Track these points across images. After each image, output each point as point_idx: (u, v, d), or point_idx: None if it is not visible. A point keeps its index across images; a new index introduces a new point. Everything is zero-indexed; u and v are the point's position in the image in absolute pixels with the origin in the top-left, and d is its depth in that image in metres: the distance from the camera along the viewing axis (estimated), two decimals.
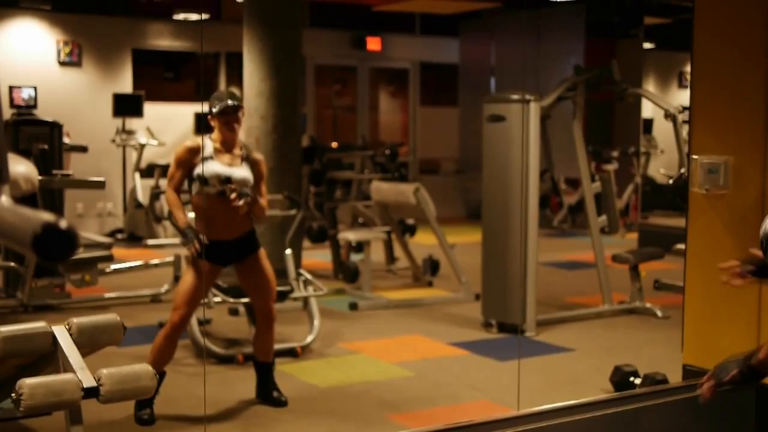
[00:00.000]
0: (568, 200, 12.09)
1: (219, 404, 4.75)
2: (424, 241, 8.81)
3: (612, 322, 6.88)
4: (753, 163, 3.93)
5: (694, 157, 4.12)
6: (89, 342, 3.78)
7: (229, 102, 4.57)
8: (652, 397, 3.75)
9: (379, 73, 14.27)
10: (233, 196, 4.46)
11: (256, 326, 4.90)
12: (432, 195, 7.77)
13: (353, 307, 7.20)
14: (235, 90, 4.92)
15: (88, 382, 3.52)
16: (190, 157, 4.56)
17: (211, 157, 4.53)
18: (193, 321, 5.54)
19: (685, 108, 6.28)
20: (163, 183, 4.80)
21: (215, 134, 4.64)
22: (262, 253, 4.73)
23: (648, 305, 7.00)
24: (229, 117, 4.57)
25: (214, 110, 4.57)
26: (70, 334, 3.69)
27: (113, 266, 7.36)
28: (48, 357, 3.69)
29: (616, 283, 7.15)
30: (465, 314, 6.97)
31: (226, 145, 4.62)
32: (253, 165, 4.66)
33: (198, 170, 4.52)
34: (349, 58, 13.43)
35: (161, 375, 4.45)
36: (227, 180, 4.51)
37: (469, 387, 5.25)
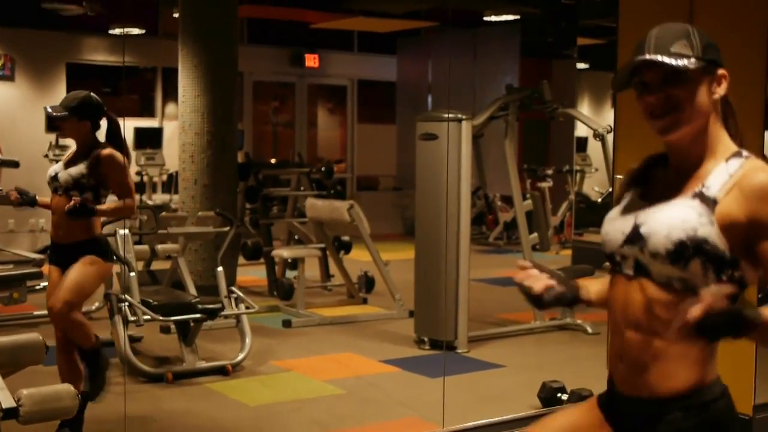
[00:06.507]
0: (503, 217, 12.21)
1: (145, 423, 4.70)
2: (359, 258, 8.83)
3: (543, 338, 6.97)
4: None
5: (618, 176, 4.22)
6: (10, 361, 3.72)
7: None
8: None
9: (317, 90, 14.29)
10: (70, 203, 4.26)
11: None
12: (370, 212, 7.78)
13: (287, 324, 7.18)
14: (80, 93, 4.71)
15: (8, 402, 3.47)
16: None
17: (58, 160, 4.52)
18: (124, 339, 5.48)
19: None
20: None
21: None
22: (85, 260, 4.41)
23: (578, 321, 7.10)
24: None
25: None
26: None
27: (43, 283, 7.23)
28: None
29: None
30: (398, 331, 6.99)
31: (78, 147, 4.60)
32: (97, 163, 4.49)
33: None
34: (288, 74, 13.44)
35: (82, 395, 4.38)
36: (54, 178, 4.47)
37: (398, 404, 5.26)
